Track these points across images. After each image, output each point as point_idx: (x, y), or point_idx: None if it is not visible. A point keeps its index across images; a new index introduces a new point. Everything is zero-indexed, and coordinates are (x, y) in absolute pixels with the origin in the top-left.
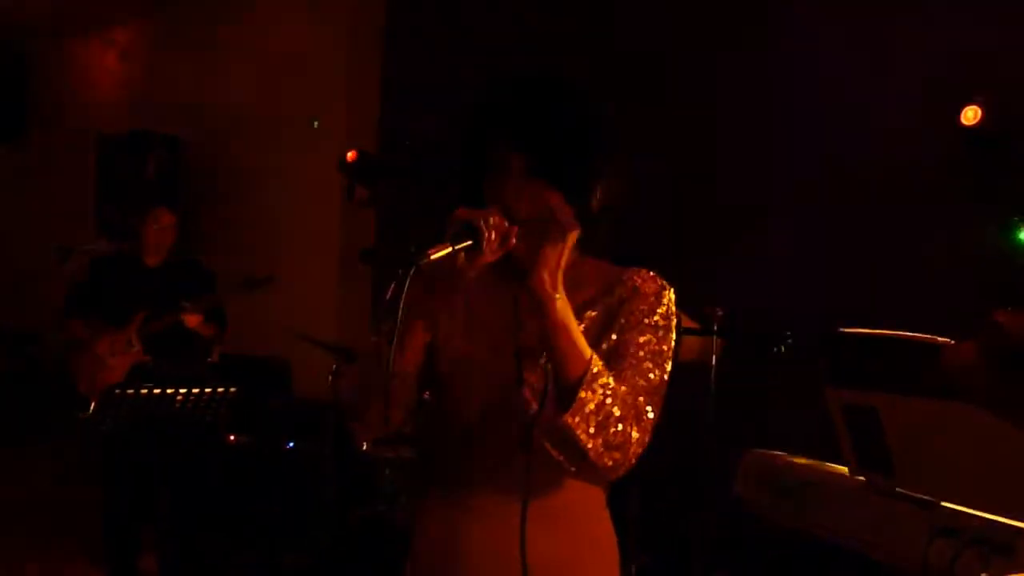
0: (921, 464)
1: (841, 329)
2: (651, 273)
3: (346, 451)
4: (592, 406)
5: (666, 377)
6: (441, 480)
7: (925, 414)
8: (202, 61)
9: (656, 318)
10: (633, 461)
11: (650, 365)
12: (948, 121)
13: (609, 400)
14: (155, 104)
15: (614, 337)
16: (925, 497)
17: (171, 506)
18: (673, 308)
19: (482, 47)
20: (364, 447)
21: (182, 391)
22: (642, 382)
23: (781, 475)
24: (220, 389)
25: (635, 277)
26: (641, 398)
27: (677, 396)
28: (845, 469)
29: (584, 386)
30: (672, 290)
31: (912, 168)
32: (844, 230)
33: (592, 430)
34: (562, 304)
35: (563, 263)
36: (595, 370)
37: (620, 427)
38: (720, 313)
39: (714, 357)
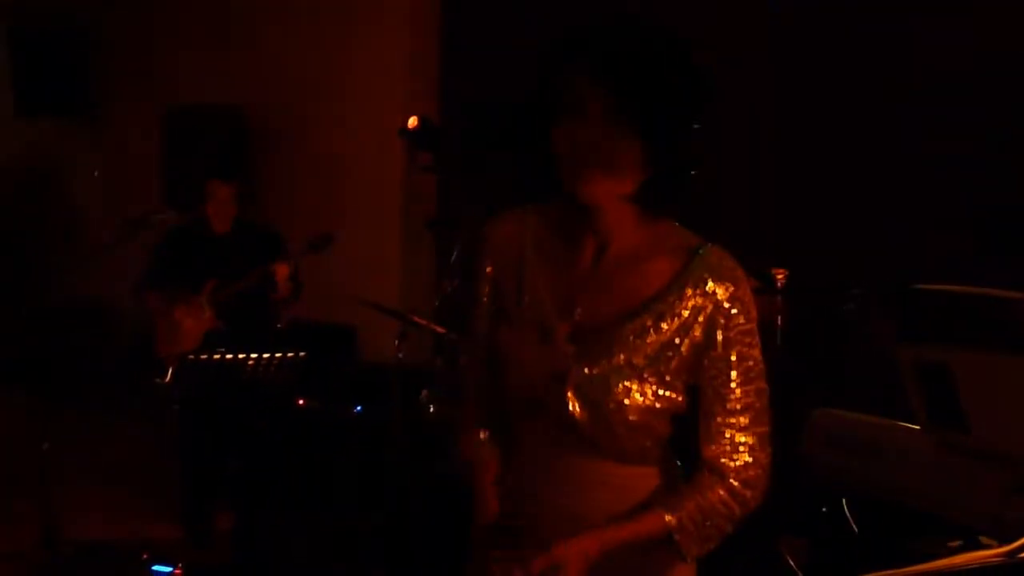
0: (997, 421)
1: (914, 285)
2: (731, 260)
3: (414, 414)
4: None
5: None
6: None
7: (1001, 370)
8: (265, 30)
9: (751, 324)
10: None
11: (761, 385)
12: None
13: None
14: (219, 74)
15: (709, 354)
16: (1004, 454)
17: (244, 469)
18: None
19: (546, 11)
20: (432, 410)
21: (253, 356)
22: (757, 406)
23: (851, 434)
24: (290, 354)
25: (725, 275)
26: (759, 430)
27: None
28: (916, 427)
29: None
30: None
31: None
32: (902, 184)
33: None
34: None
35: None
36: (674, 524)
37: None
38: (781, 274)
39: (779, 317)
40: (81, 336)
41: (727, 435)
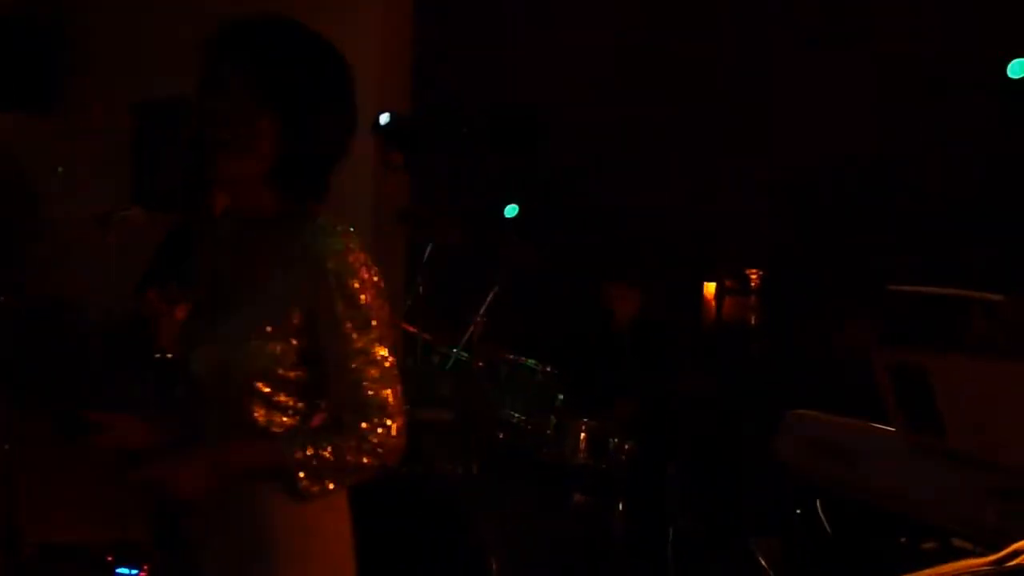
0: (973, 424)
1: (889, 286)
2: (342, 228)
3: None
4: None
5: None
6: None
7: (977, 373)
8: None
9: (359, 283)
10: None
11: (376, 340)
12: None
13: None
14: (189, 68)
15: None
16: (979, 456)
17: None
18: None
19: (519, 5)
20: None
21: None
22: (377, 359)
23: (825, 436)
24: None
25: (333, 243)
26: (384, 383)
27: (719, 358)
28: (891, 429)
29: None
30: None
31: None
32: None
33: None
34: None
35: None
36: (296, 458)
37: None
38: (755, 275)
39: (753, 317)
40: (44, 334)
41: (348, 388)
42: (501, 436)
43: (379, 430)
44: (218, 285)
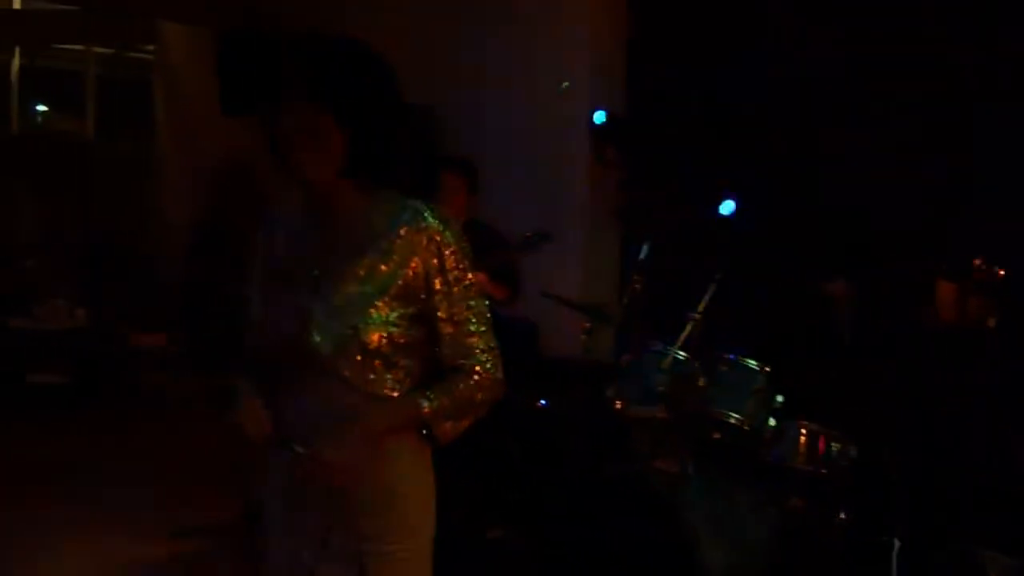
0: None
1: None
2: (436, 206)
3: (598, 410)
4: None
5: None
6: None
7: None
8: (449, 27)
9: (461, 251)
10: None
11: (476, 297)
12: None
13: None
14: (409, 74)
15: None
16: None
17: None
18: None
19: (732, 6)
20: (618, 406)
21: None
22: (477, 314)
23: None
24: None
25: (434, 216)
26: (483, 331)
27: (949, 360)
28: None
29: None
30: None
31: None
32: None
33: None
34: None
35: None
36: (428, 411)
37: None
38: (1000, 272)
39: (992, 320)
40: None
41: (455, 340)
42: (717, 436)
43: (488, 369)
44: (306, 266)
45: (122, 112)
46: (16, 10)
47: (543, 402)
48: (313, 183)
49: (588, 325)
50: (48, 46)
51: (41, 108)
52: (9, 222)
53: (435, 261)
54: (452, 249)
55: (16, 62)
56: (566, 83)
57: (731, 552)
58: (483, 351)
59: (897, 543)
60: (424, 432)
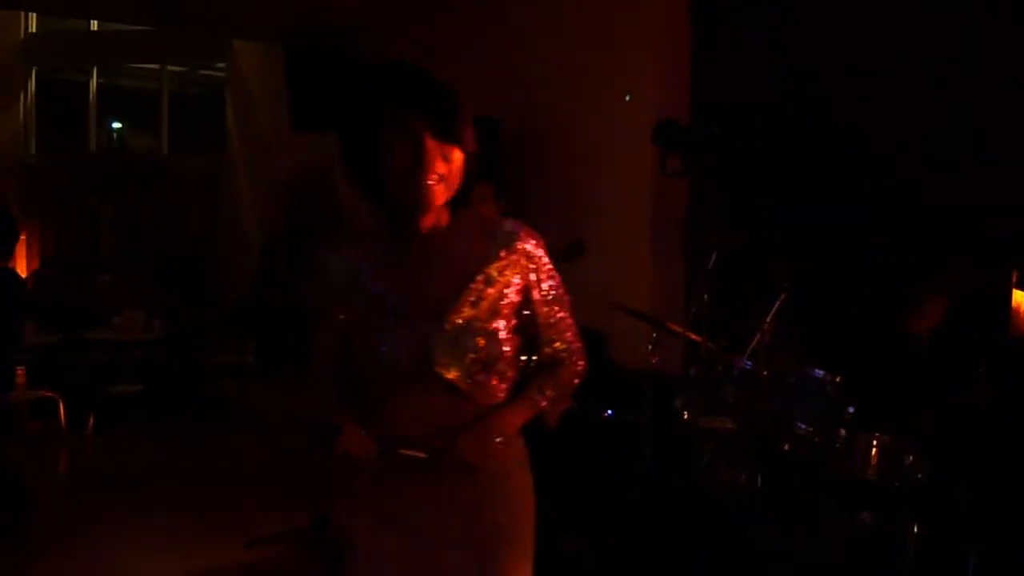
0: None
1: None
2: (522, 225)
3: (665, 421)
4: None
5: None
6: None
7: None
8: (516, 37)
9: (549, 264)
10: None
11: (564, 301)
12: None
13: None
14: (476, 86)
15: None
16: None
17: None
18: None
19: (795, 12)
20: (686, 416)
21: None
22: (566, 316)
23: None
24: (535, 357)
25: (525, 236)
26: (573, 329)
27: None
28: None
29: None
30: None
31: None
32: None
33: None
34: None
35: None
36: (545, 404)
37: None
38: None
39: None
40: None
41: (553, 339)
42: (786, 448)
43: (580, 362)
44: (416, 295)
45: (195, 128)
46: (93, 31)
47: (609, 413)
48: (428, 207)
49: (655, 335)
50: (124, 65)
51: (117, 125)
52: (89, 238)
53: (533, 277)
54: (544, 262)
55: (93, 82)
56: (628, 94)
57: (799, 567)
58: (574, 342)
59: (973, 558)
60: (542, 420)
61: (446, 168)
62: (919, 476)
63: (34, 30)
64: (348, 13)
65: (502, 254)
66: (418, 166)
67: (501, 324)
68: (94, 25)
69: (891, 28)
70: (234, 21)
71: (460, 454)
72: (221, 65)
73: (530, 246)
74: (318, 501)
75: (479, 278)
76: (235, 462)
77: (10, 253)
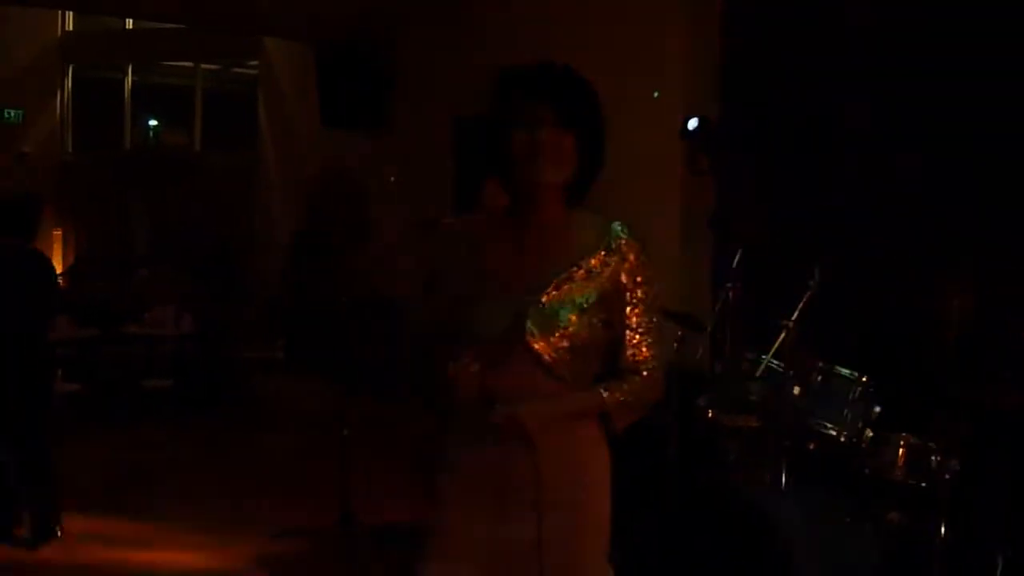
0: None
1: None
2: (632, 231)
3: (690, 418)
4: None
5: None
6: None
7: None
8: (544, 35)
9: (649, 271)
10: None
11: (655, 313)
12: None
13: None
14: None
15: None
16: None
17: None
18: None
19: (824, 9)
20: (710, 414)
21: None
22: (653, 326)
23: None
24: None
25: (631, 241)
26: (655, 340)
27: None
28: None
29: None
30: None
31: None
32: None
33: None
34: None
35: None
36: (609, 401)
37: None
38: None
39: None
40: (375, 329)
41: (637, 345)
42: (812, 447)
43: (656, 375)
44: (521, 273)
45: (227, 125)
46: (128, 30)
47: None
48: (540, 192)
49: (681, 333)
50: (158, 63)
51: (152, 123)
52: (123, 234)
53: (634, 278)
54: (646, 267)
55: (128, 80)
56: (657, 92)
57: (826, 567)
58: (656, 358)
59: (1001, 560)
60: (606, 421)
61: (560, 154)
62: (946, 477)
63: (71, 28)
64: (378, 12)
65: (608, 249)
66: (537, 145)
67: (593, 311)
68: (129, 24)
69: (929, 29)
70: (266, 20)
71: (520, 422)
72: (253, 63)
73: (638, 247)
74: (344, 498)
75: (582, 264)
76: (264, 456)
77: (33, 233)
